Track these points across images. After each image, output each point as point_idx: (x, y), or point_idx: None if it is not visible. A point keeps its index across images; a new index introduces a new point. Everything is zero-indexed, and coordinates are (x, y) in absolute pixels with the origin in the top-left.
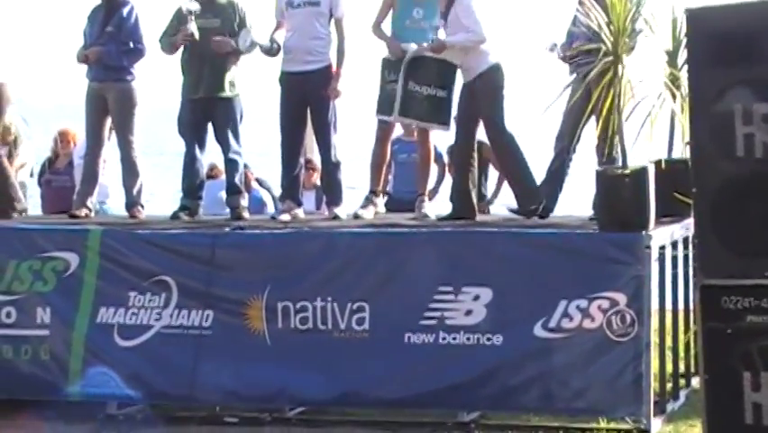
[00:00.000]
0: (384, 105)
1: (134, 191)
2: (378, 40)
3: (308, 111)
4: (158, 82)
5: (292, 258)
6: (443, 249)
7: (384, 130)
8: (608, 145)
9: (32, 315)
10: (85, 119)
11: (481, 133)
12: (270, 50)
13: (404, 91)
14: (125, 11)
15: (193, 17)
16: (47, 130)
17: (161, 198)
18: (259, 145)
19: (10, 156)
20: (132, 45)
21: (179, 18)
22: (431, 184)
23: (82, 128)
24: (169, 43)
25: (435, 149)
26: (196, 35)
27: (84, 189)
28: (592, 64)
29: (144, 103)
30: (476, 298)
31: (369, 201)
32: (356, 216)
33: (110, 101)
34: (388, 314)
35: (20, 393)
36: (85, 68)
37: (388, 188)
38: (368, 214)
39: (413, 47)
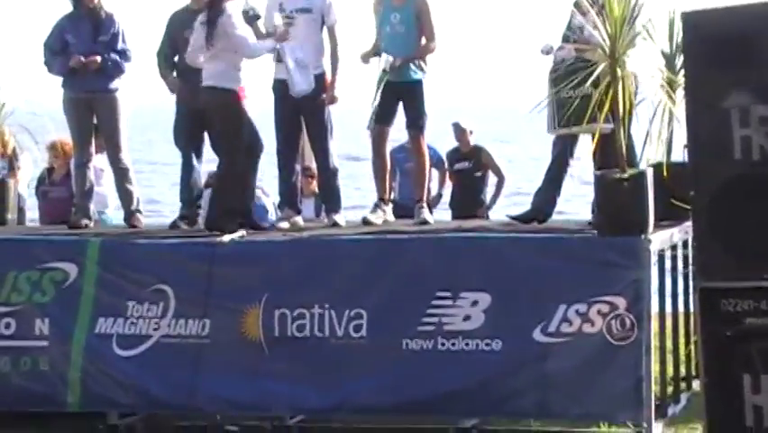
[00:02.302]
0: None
1: (131, 201)
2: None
3: (302, 118)
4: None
5: (290, 266)
6: (441, 255)
7: (378, 140)
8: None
9: (30, 326)
10: (71, 131)
11: (479, 139)
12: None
13: (558, 100)
14: (114, 21)
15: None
16: (63, 126)
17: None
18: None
19: (12, 168)
20: (128, 54)
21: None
22: (434, 190)
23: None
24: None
25: (436, 154)
26: None
27: (81, 200)
28: (589, 68)
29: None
30: (474, 303)
31: (378, 207)
32: (365, 222)
33: (100, 111)
34: (386, 320)
35: (19, 405)
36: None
37: (393, 196)
38: (377, 219)
39: (390, 58)
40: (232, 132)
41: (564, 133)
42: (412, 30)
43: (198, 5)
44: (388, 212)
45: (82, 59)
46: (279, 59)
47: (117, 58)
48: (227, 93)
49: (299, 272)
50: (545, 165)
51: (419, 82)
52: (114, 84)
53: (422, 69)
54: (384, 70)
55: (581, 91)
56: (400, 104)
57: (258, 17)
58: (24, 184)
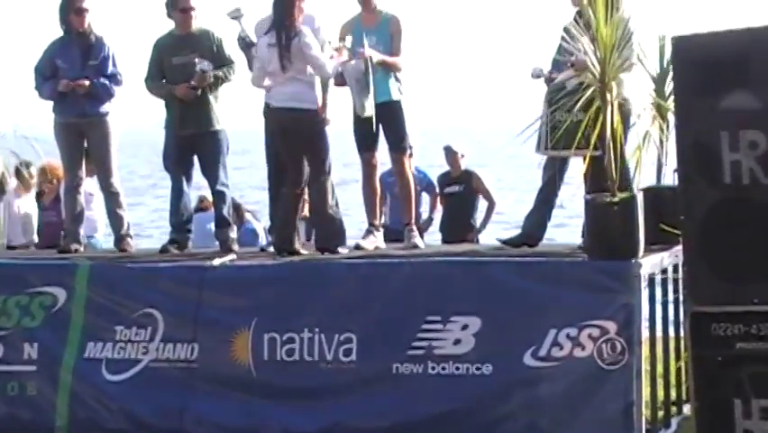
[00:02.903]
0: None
1: (122, 225)
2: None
3: None
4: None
5: (279, 290)
6: (431, 279)
7: (369, 167)
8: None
9: (18, 350)
10: (62, 155)
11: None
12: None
13: (552, 122)
14: (104, 45)
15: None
16: (52, 151)
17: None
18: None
19: (1, 193)
20: (118, 78)
21: (242, 47)
22: (425, 214)
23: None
24: (167, 91)
25: (426, 177)
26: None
27: (71, 225)
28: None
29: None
30: (464, 327)
31: (369, 233)
32: (357, 247)
33: (90, 136)
34: (376, 345)
35: (6, 431)
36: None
37: (384, 221)
38: (369, 245)
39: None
40: (318, 150)
41: (554, 155)
42: (389, 51)
43: (183, 31)
44: (379, 238)
45: (70, 83)
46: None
47: (107, 82)
48: (310, 113)
49: (289, 296)
50: (511, 188)
51: (398, 103)
52: (105, 108)
53: (400, 91)
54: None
55: (574, 115)
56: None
57: (253, 44)
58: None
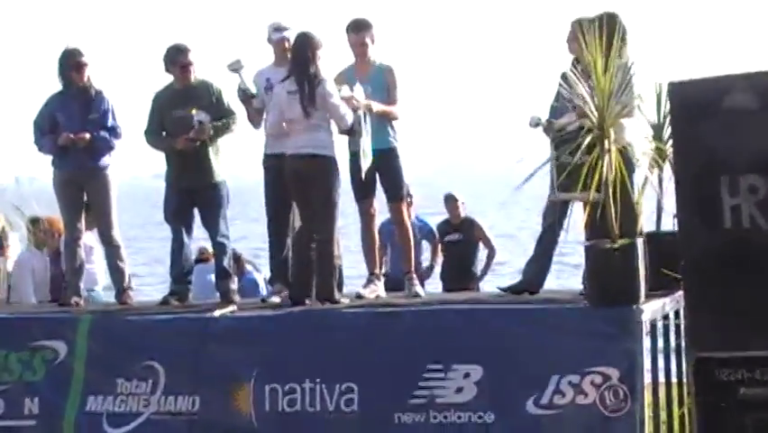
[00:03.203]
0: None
1: (123, 278)
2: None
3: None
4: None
5: (280, 341)
6: (433, 327)
7: (367, 215)
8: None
9: (19, 405)
10: (61, 208)
11: (470, 210)
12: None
13: (559, 166)
14: (104, 99)
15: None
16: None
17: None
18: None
19: (1, 247)
20: (117, 131)
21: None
22: (426, 262)
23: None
24: (167, 144)
25: (427, 226)
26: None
27: (72, 279)
28: (577, 140)
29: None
30: (466, 375)
31: (370, 282)
32: (358, 296)
33: (90, 189)
34: (378, 394)
35: None
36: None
37: (384, 270)
38: (370, 294)
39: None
40: (335, 199)
41: (565, 198)
42: (385, 100)
43: (182, 84)
44: (380, 286)
45: (71, 136)
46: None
47: (107, 135)
48: (331, 160)
49: (289, 347)
50: (506, 234)
51: (393, 150)
52: (105, 161)
53: (395, 139)
54: (364, 106)
55: (578, 158)
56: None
57: (254, 96)
58: (11, 262)
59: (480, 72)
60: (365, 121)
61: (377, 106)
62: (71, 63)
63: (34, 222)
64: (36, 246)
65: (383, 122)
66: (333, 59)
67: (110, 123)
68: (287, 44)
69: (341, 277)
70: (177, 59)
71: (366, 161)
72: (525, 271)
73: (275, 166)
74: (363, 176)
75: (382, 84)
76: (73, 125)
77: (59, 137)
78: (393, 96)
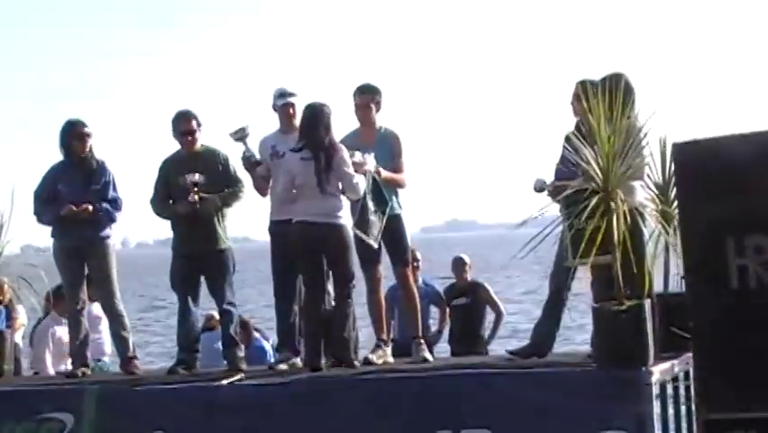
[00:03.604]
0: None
1: (127, 347)
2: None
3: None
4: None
5: (287, 408)
6: (442, 392)
7: (373, 280)
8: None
9: None
10: (63, 279)
11: (476, 274)
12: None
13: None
14: (106, 170)
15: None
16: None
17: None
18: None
19: (10, 318)
20: (119, 203)
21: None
22: (434, 326)
23: None
24: (170, 211)
25: (434, 290)
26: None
27: (78, 349)
28: (583, 202)
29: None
30: None
31: (378, 347)
32: (366, 362)
33: (91, 260)
34: None
35: None
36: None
37: (392, 335)
38: (378, 359)
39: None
40: (349, 265)
41: (579, 264)
42: (388, 167)
43: (188, 151)
44: (387, 352)
45: (74, 207)
46: (275, 200)
47: (108, 207)
48: (344, 229)
49: (297, 414)
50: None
51: (398, 216)
52: (105, 232)
53: (399, 205)
54: (367, 171)
55: (593, 222)
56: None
57: (259, 163)
58: (20, 334)
59: (479, 129)
60: (373, 189)
61: (385, 174)
62: (74, 133)
63: (57, 291)
64: (60, 315)
65: (388, 189)
66: (337, 123)
67: (111, 194)
68: (291, 110)
69: (357, 341)
70: (178, 125)
71: (375, 228)
72: (532, 334)
73: (281, 232)
74: (376, 242)
75: (387, 150)
76: (75, 196)
77: (60, 208)
78: (398, 163)
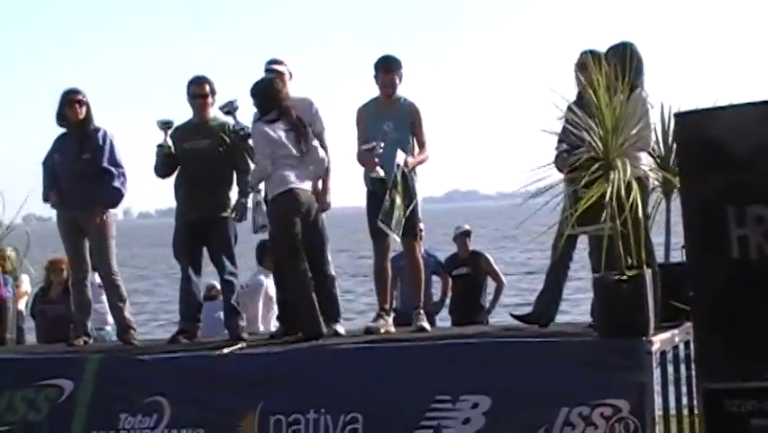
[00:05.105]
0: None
1: (123, 317)
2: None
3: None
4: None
5: (286, 374)
6: (440, 359)
7: (381, 247)
8: (604, 252)
9: None
10: (66, 248)
11: (478, 244)
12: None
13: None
14: (100, 137)
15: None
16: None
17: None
18: None
19: (16, 285)
20: (113, 172)
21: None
22: (435, 296)
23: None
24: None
25: (437, 260)
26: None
27: (79, 318)
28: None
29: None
30: (474, 406)
31: (380, 316)
32: (368, 331)
33: (90, 230)
34: (384, 425)
35: None
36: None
37: (395, 305)
38: (381, 328)
39: (381, 172)
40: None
41: (581, 231)
42: (406, 136)
43: (201, 115)
44: (389, 322)
45: (56, 200)
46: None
47: (120, 186)
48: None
49: (296, 380)
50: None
51: (413, 188)
52: (100, 202)
53: (413, 177)
54: (398, 165)
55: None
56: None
57: (249, 135)
58: (23, 302)
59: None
60: (400, 182)
61: (412, 161)
62: (66, 100)
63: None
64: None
65: (413, 180)
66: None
67: (104, 163)
68: (278, 79)
69: (337, 307)
70: (192, 88)
71: (399, 225)
72: (535, 303)
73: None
74: (398, 236)
75: (405, 121)
76: (65, 166)
77: (54, 181)
78: (420, 134)
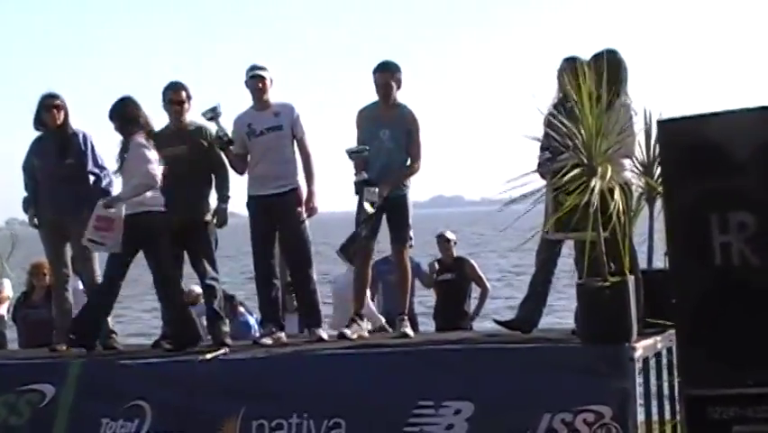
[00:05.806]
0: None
1: (107, 323)
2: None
3: (278, 233)
4: None
5: (269, 379)
6: (423, 364)
7: (364, 252)
8: (586, 258)
9: None
10: (47, 253)
11: (461, 249)
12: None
13: (555, 205)
14: (80, 142)
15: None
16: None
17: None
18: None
19: None
20: (100, 175)
21: None
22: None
23: None
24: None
25: (420, 266)
26: None
27: (61, 324)
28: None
29: None
30: (457, 412)
31: (354, 321)
32: (341, 336)
33: (72, 235)
34: (366, 430)
35: None
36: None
37: (380, 309)
38: (353, 334)
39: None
40: None
41: (561, 237)
42: (401, 146)
43: (178, 121)
44: (363, 327)
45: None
46: (253, 178)
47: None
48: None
49: (278, 384)
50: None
51: (404, 196)
52: (84, 206)
53: (405, 185)
54: (372, 203)
55: (574, 198)
56: (384, 217)
57: (232, 142)
58: (5, 307)
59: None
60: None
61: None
62: (43, 104)
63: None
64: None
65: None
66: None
67: (90, 167)
68: (260, 84)
69: (318, 313)
70: (168, 95)
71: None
72: (518, 310)
73: (258, 207)
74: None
75: (402, 129)
76: (47, 170)
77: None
78: (416, 142)
